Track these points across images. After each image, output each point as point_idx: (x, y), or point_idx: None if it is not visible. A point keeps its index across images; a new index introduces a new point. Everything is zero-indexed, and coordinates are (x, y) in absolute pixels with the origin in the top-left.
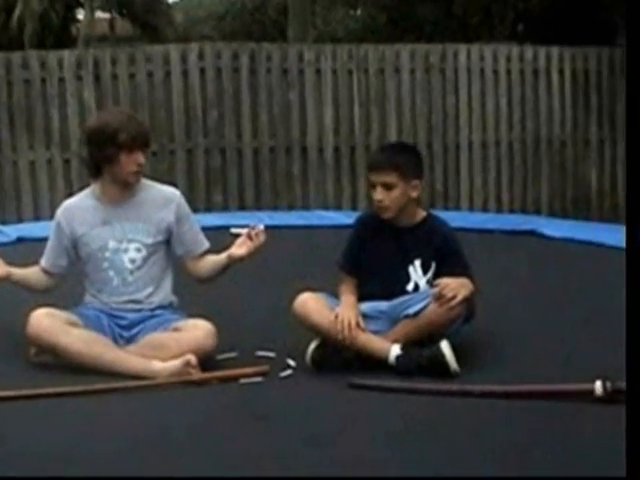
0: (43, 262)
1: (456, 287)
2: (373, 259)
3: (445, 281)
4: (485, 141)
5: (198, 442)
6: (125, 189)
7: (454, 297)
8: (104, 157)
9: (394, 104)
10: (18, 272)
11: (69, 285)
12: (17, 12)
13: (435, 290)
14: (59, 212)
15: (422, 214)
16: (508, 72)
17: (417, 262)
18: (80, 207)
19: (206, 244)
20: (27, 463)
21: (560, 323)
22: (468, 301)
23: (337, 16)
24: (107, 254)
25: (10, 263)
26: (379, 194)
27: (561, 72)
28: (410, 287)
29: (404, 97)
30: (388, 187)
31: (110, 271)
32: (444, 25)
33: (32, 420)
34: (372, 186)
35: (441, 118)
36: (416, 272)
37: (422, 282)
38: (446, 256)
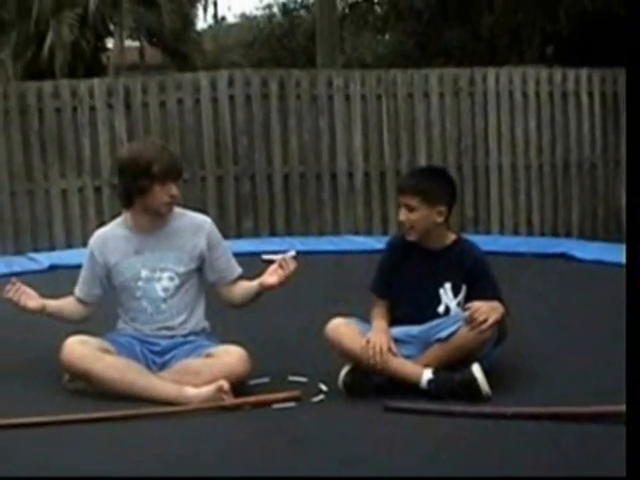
0: (77, 292)
1: (487, 310)
2: (404, 282)
3: (476, 305)
4: (515, 164)
5: (231, 466)
6: (157, 218)
7: (485, 321)
8: (137, 188)
9: (423, 128)
10: (52, 304)
11: (102, 312)
12: (48, 41)
13: (466, 314)
14: (92, 242)
15: (452, 237)
16: (537, 95)
17: (447, 285)
18: (112, 236)
19: (238, 270)
20: None
21: (591, 345)
22: (499, 324)
23: (365, 41)
24: (140, 283)
25: (42, 291)
26: (402, 215)
27: (590, 94)
28: (441, 310)
29: (433, 121)
30: (410, 209)
31: (143, 300)
32: (472, 48)
33: (64, 445)
34: (399, 206)
35: (470, 142)
36: (447, 295)
37: (453, 305)
38: (476, 279)
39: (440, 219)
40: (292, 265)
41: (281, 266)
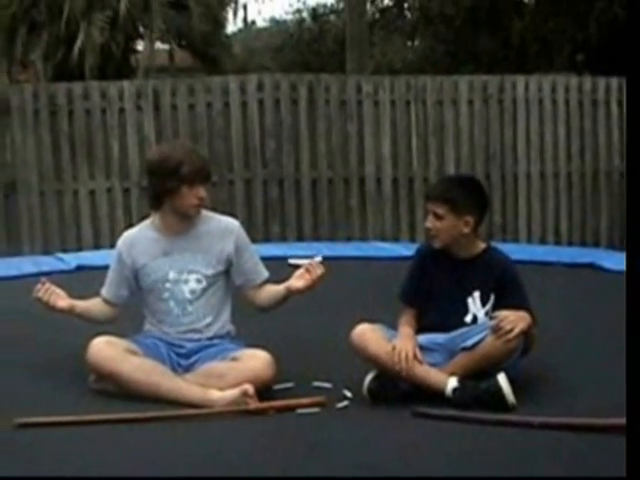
0: (104, 293)
1: (514, 320)
2: (432, 290)
3: (504, 313)
4: (543, 172)
5: (253, 471)
6: (185, 220)
7: (512, 330)
8: (166, 189)
9: (452, 135)
10: (81, 304)
11: (128, 313)
12: (78, 43)
13: (493, 322)
14: (120, 243)
15: (481, 246)
16: (567, 103)
17: (476, 294)
18: (141, 238)
19: (265, 273)
20: None
21: (619, 356)
22: (526, 334)
23: (394, 47)
24: (168, 285)
25: (70, 291)
26: (429, 222)
27: (620, 103)
28: (468, 319)
29: (462, 128)
30: (438, 217)
31: (170, 301)
32: (501, 55)
33: (89, 445)
34: (427, 213)
35: (499, 149)
36: (475, 304)
37: (480, 314)
38: (505, 288)
39: (466, 229)
40: (319, 270)
41: (308, 271)
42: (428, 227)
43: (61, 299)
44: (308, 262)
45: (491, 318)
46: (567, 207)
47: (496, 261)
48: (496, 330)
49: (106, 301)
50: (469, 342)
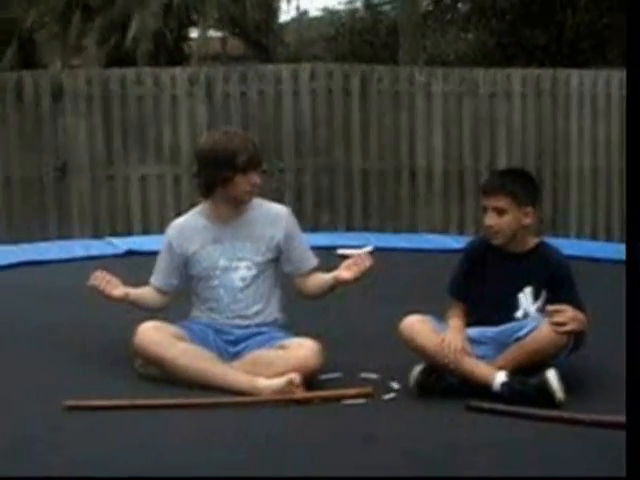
0: (154, 281)
1: (572, 316)
2: (483, 285)
3: (564, 306)
4: (596, 168)
5: (297, 458)
6: (236, 208)
7: (564, 324)
8: (219, 179)
9: (504, 128)
10: (133, 292)
11: (176, 299)
12: (132, 29)
13: (550, 308)
14: (170, 231)
15: (534, 241)
16: (621, 98)
17: (528, 289)
18: (190, 226)
19: (314, 261)
20: (125, 468)
21: None
22: (577, 334)
23: (447, 39)
24: (217, 272)
25: (119, 276)
26: (490, 219)
27: None
28: (519, 314)
29: (514, 121)
30: (500, 212)
31: (220, 289)
32: (554, 49)
33: (134, 429)
34: (484, 210)
35: (551, 144)
36: (526, 299)
37: (532, 310)
38: (558, 285)
39: (527, 220)
40: (368, 261)
41: (356, 262)
42: (490, 225)
43: (115, 288)
44: (357, 253)
45: (542, 312)
46: (619, 203)
47: (550, 257)
48: (551, 315)
49: (156, 289)
50: (521, 332)
